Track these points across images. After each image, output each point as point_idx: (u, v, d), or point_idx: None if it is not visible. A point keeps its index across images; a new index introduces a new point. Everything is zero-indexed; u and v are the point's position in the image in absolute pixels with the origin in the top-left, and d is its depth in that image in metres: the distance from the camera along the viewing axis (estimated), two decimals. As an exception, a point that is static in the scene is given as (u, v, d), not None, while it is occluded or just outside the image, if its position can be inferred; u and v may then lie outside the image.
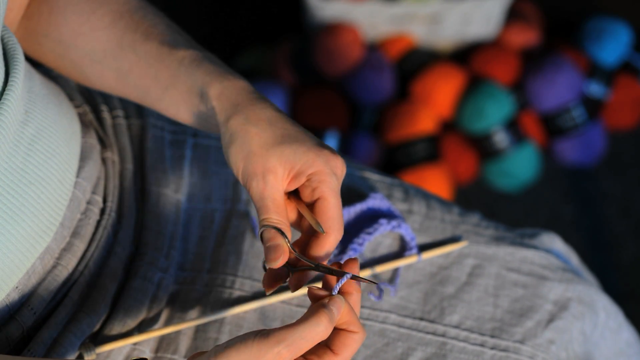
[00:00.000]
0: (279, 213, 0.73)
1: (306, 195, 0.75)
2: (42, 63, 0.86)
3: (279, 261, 0.71)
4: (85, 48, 0.83)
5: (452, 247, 0.87)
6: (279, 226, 0.72)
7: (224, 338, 0.83)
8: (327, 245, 0.73)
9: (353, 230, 0.88)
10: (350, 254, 0.86)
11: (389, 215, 0.89)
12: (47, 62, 0.86)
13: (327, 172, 0.73)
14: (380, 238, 0.89)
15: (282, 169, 0.73)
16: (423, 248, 0.89)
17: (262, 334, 0.63)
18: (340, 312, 0.66)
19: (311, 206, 0.75)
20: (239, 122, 0.75)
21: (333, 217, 0.73)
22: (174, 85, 0.80)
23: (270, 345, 0.63)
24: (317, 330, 0.64)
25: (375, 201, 0.89)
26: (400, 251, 0.89)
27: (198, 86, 0.78)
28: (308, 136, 0.75)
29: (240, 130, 0.74)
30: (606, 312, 0.93)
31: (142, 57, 0.81)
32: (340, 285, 0.68)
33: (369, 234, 0.87)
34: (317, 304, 0.66)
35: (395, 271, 0.87)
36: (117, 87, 0.84)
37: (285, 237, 0.72)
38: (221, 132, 0.76)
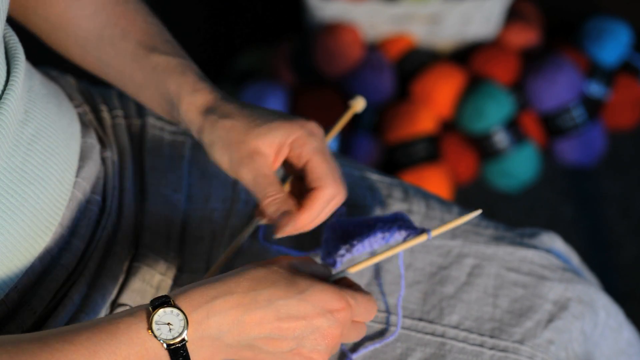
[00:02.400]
0: (274, 185, 0.76)
1: (296, 166, 0.78)
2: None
3: (289, 227, 0.75)
4: (69, 31, 0.85)
5: (465, 218, 0.79)
6: (277, 197, 0.75)
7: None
8: (320, 198, 0.76)
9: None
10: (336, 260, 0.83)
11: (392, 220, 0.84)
12: (37, 34, 0.88)
13: (306, 135, 0.77)
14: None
15: (265, 147, 0.76)
16: (421, 245, 0.89)
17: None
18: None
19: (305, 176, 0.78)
20: (212, 123, 0.78)
21: (321, 173, 0.76)
22: (147, 87, 0.83)
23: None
24: None
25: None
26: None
27: (169, 96, 0.81)
28: (278, 113, 0.78)
29: (215, 130, 0.78)
30: (606, 311, 0.93)
31: (120, 53, 0.84)
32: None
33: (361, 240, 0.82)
34: None
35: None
36: (100, 74, 0.87)
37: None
38: (200, 141, 0.79)
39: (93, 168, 0.84)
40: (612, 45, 1.75)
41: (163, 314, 0.65)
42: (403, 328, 0.85)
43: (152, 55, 0.83)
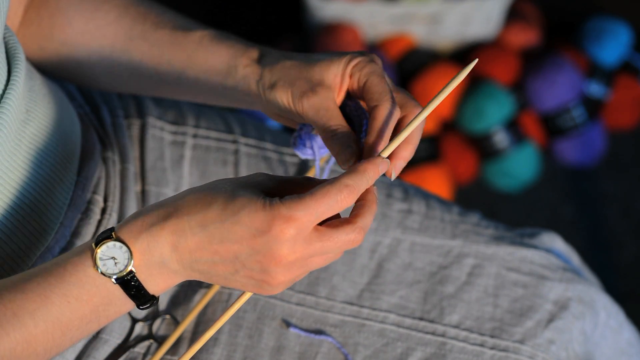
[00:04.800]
0: (337, 119, 0.73)
1: (356, 91, 0.75)
2: (43, 69, 0.86)
3: (352, 161, 0.71)
4: (92, 46, 0.84)
5: (466, 70, 0.73)
6: (340, 130, 0.72)
7: (223, 338, 0.83)
8: (380, 114, 0.72)
9: None
10: None
11: None
12: (49, 67, 0.86)
13: (367, 60, 0.75)
14: None
15: (330, 78, 0.75)
16: (421, 245, 0.89)
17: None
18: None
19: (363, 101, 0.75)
20: (271, 66, 0.77)
21: (380, 91, 0.73)
22: (192, 65, 0.81)
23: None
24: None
25: None
26: None
27: (222, 62, 0.80)
28: (333, 51, 0.78)
29: (274, 71, 0.77)
30: (607, 311, 0.92)
31: (154, 44, 0.83)
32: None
33: None
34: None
35: None
36: (130, 82, 0.85)
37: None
38: (260, 93, 0.78)
39: (94, 168, 0.84)
40: (612, 45, 1.75)
41: (106, 249, 0.64)
42: (403, 327, 0.85)
43: (191, 33, 0.82)
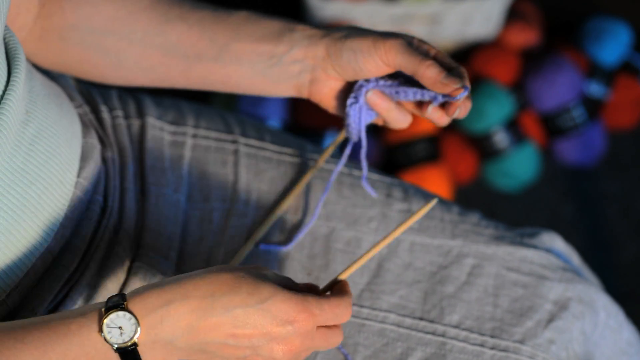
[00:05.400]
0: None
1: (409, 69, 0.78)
2: (59, 64, 0.86)
3: (461, 82, 0.76)
4: (124, 31, 0.84)
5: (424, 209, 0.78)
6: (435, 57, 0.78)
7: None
8: (463, 73, 0.77)
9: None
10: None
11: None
12: (68, 58, 0.86)
13: (422, 40, 0.80)
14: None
15: (398, 39, 0.79)
16: (421, 244, 0.89)
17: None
18: None
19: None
20: (338, 28, 0.81)
21: (451, 59, 0.78)
22: (236, 39, 0.82)
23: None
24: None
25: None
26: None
27: (275, 28, 0.82)
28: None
29: (344, 29, 0.80)
30: (606, 311, 0.92)
31: (194, 24, 0.83)
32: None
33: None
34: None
35: None
36: (160, 66, 0.85)
37: None
38: (325, 44, 0.80)
39: (94, 168, 0.84)
40: (612, 45, 1.75)
41: (115, 318, 0.65)
42: (403, 327, 0.85)
43: (234, 13, 0.84)
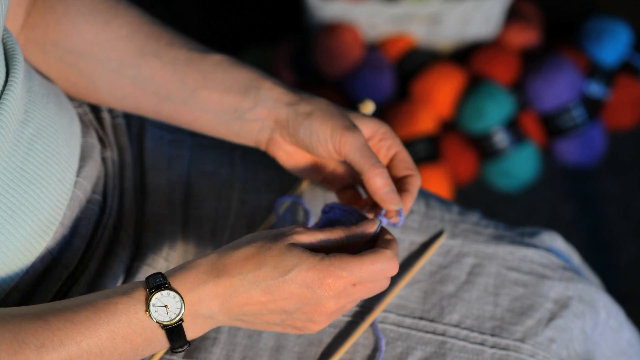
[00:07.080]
0: (377, 158, 0.80)
1: (382, 156, 0.82)
2: (43, 73, 0.86)
3: (399, 204, 0.79)
4: (100, 57, 0.84)
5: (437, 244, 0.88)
6: (384, 169, 0.79)
7: (222, 337, 0.83)
8: (416, 183, 0.81)
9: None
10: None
11: None
12: (50, 71, 0.86)
13: (392, 131, 0.83)
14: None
15: (363, 129, 0.82)
16: (418, 248, 0.89)
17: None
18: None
19: (389, 167, 0.82)
20: (308, 98, 0.81)
21: (412, 163, 0.82)
22: (205, 86, 0.83)
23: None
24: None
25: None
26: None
27: (242, 83, 0.82)
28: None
29: (313, 102, 0.81)
30: (607, 311, 0.92)
31: (168, 62, 0.83)
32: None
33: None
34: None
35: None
36: (131, 97, 0.85)
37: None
38: (288, 115, 0.81)
39: (93, 168, 0.84)
40: (612, 45, 1.75)
41: (160, 297, 0.68)
42: (403, 327, 0.85)
43: (208, 56, 0.84)
